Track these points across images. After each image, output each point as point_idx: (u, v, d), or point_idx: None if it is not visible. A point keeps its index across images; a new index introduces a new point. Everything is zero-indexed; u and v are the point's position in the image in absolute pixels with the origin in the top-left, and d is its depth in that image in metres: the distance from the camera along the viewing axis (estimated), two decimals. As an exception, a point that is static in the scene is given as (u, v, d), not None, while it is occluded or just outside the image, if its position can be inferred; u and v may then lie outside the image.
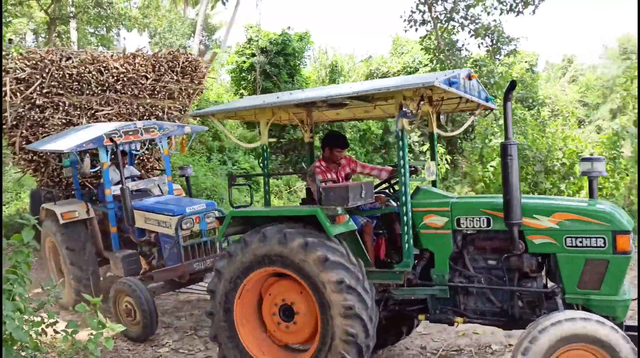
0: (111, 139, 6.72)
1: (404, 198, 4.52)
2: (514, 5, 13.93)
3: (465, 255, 4.72)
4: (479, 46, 14.94)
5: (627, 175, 11.33)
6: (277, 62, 16.77)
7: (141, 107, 9.00)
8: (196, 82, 9.50)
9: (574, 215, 4.39)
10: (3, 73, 8.05)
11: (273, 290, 4.79)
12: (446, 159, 15.75)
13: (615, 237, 4.24)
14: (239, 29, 40.33)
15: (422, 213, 4.65)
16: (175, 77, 9.14)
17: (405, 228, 4.51)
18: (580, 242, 4.35)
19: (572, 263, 4.34)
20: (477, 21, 14.56)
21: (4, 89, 8.03)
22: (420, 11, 14.63)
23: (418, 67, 18.71)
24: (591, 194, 4.56)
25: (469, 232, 4.68)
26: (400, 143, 4.57)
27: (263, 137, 4.96)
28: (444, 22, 14.85)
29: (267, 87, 16.72)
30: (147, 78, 8.98)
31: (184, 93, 9.39)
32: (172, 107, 9.26)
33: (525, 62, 19.16)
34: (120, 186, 6.94)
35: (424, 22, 14.78)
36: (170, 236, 6.56)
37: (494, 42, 14.66)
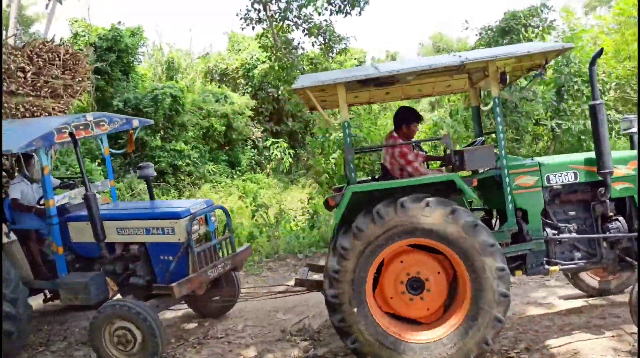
0: (71, 134, 5.60)
1: (504, 162, 4.84)
2: (342, 6, 14.91)
3: (551, 209, 5.19)
4: (313, 44, 15.75)
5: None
6: (109, 58, 16.00)
7: (21, 106, 7.55)
8: (79, 78, 8.32)
9: None
10: None
11: (393, 266, 4.80)
12: (289, 153, 16.45)
13: None
14: (60, 23, 37.17)
15: (513, 175, 4.97)
16: (57, 72, 7.92)
17: (508, 188, 4.85)
18: None
19: None
20: (309, 21, 15.29)
21: None
22: (255, 10, 14.97)
23: (256, 64, 19.14)
24: (632, 147, 5.30)
25: (556, 187, 5.16)
26: (497, 109, 4.90)
27: (343, 113, 4.88)
28: (279, 21, 15.38)
29: (99, 86, 15.91)
30: (24, 71, 7.62)
31: (68, 91, 8.17)
32: (55, 108, 7.99)
33: (355, 59, 20.54)
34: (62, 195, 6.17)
35: (259, 21, 15.13)
36: (171, 244, 5.67)
37: (327, 40, 15.49)
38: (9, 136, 5.61)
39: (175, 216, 5.66)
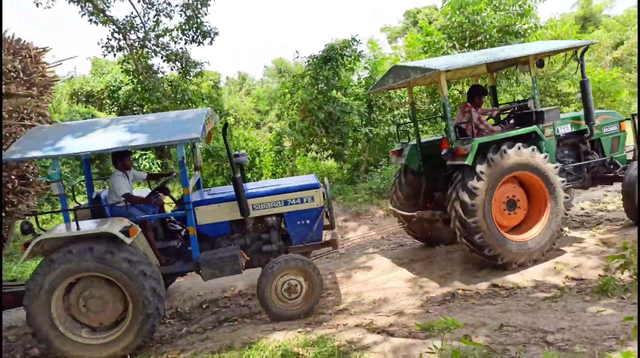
0: (226, 124, 5.72)
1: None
2: (195, 37, 14.94)
3: (558, 149, 6.74)
4: (171, 69, 15.56)
5: (291, 161, 13.68)
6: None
7: (22, 108, 6.45)
8: (47, 70, 7.01)
9: (606, 116, 7.17)
10: None
11: (499, 190, 5.91)
12: (157, 163, 16.03)
13: (620, 123, 7.22)
14: None
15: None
16: (39, 68, 6.79)
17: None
18: (609, 129, 7.12)
19: (607, 141, 7.13)
20: (167, 49, 15.10)
21: None
22: (115, 39, 14.42)
23: (120, 86, 18.29)
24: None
25: (561, 135, 6.79)
26: (535, 84, 6.36)
27: (445, 90, 6.00)
28: (138, 49, 14.96)
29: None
30: (15, 69, 6.45)
31: (52, 86, 7.04)
32: (46, 107, 6.89)
33: (211, 80, 20.52)
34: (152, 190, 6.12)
35: (120, 49, 14.61)
36: (310, 210, 5.85)
37: (184, 65, 15.41)
38: (154, 132, 5.14)
39: (315, 186, 5.90)
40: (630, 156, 7.49)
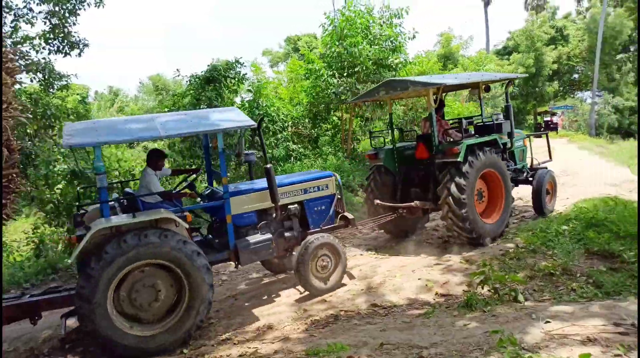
0: (262, 118, 6.20)
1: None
2: (61, 47, 13.75)
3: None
4: (31, 80, 14.05)
5: (169, 183, 13.02)
6: None
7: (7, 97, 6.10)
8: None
9: (516, 134, 8.80)
10: None
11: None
12: (10, 186, 14.21)
13: (524, 140, 9.32)
14: None
15: None
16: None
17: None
18: (519, 143, 9.09)
19: (517, 152, 9.03)
20: (26, 58, 13.64)
21: None
22: (-39, 43, 12.64)
23: (-35, 96, 15.98)
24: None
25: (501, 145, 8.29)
26: (482, 105, 8.92)
27: (432, 102, 7.41)
28: (-9, 56, 13.27)
29: None
30: None
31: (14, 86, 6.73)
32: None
33: (78, 94, 18.91)
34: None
35: (-33, 54, 12.82)
36: (326, 197, 6.71)
37: (46, 77, 14.04)
38: (210, 122, 5.69)
39: (330, 175, 6.78)
40: (528, 164, 9.81)
